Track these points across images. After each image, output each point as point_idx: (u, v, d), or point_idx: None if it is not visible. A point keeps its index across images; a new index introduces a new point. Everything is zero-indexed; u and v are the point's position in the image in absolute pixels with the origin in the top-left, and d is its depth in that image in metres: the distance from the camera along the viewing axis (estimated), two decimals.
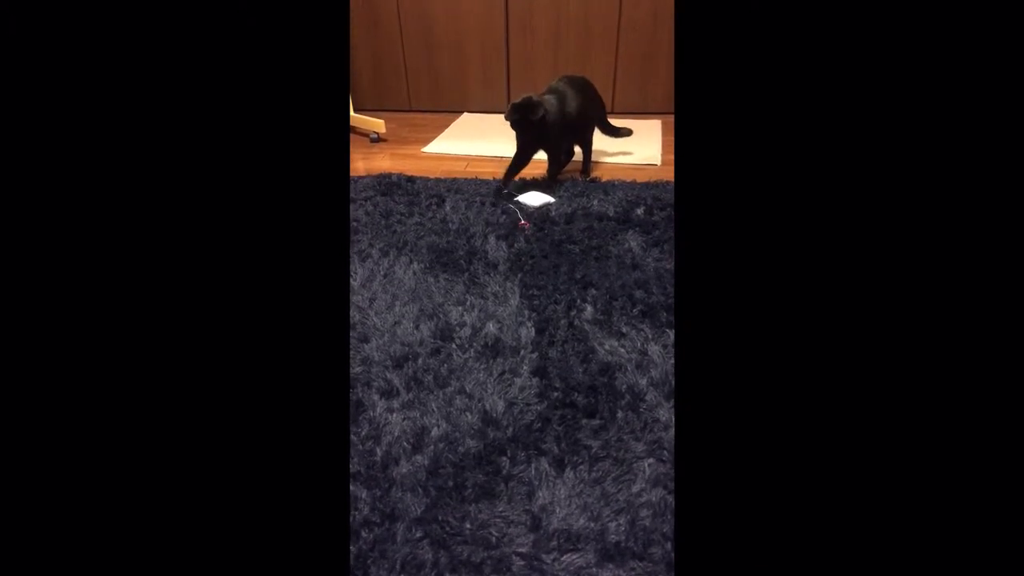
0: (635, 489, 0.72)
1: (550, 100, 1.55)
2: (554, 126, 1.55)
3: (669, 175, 1.73)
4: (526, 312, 1.07)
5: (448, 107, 2.52)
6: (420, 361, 0.95)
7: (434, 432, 0.80)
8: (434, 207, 1.53)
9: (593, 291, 1.13)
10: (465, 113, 2.49)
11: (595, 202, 1.52)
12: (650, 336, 0.99)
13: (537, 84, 2.37)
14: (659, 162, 1.84)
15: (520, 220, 1.43)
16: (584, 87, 1.64)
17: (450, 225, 1.43)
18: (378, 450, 0.78)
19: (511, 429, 0.80)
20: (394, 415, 0.84)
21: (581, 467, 0.75)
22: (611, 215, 1.44)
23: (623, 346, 0.97)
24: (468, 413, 0.83)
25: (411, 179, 1.71)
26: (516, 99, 1.50)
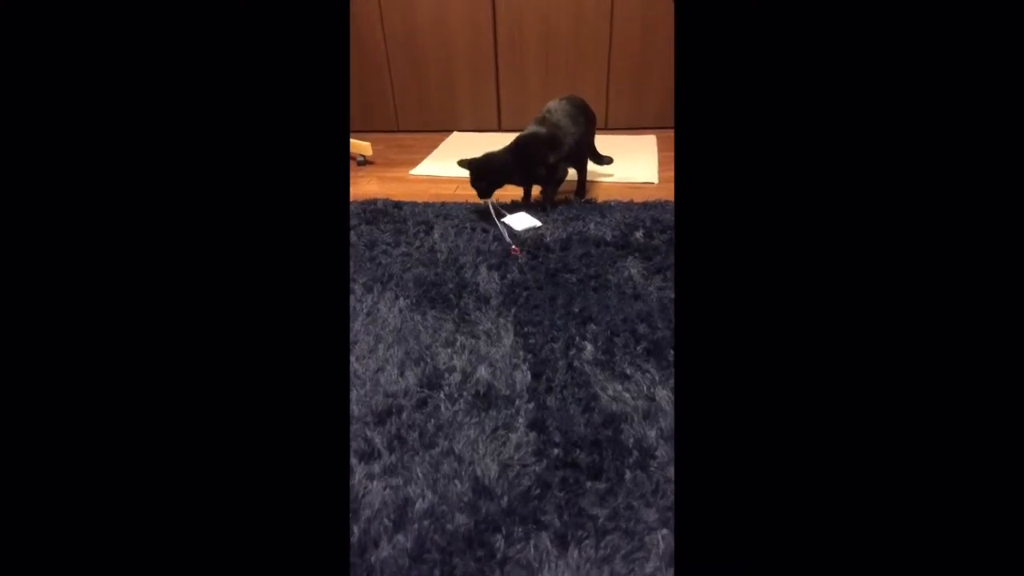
0: (649, 568, 0.63)
1: (540, 133, 1.50)
2: (547, 167, 1.50)
3: (667, 194, 1.65)
4: (521, 353, 0.98)
5: (437, 126, 2.46)
6: (404, 415, 0.86)
7: (419, 505, 0.71)
8: (422, 235, 1.45)
9: (593, 326, 1.04)
10: (455, 132, 2.43)
11: (591, 226, 1.44)
12: (657, 378, 0.91)
13: (528, 100, 2.31)
14: (656, 180, 1.77)
15: (512, 247, 1.35)
16: (580, 112, 1.57)
17: (439, 255, 1.34)
18: (356, 528, 0.68)
19: (506, 498, 0.71)
20: (374, 483, 0.74)
21: (587, 543, 0.66)
22: (609, 239, 1.36)
23: (628, 391, 0.88)
24: (457, 481, 0.74)
25: (398, 205, 1.63)
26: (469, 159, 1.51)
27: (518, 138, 1.52)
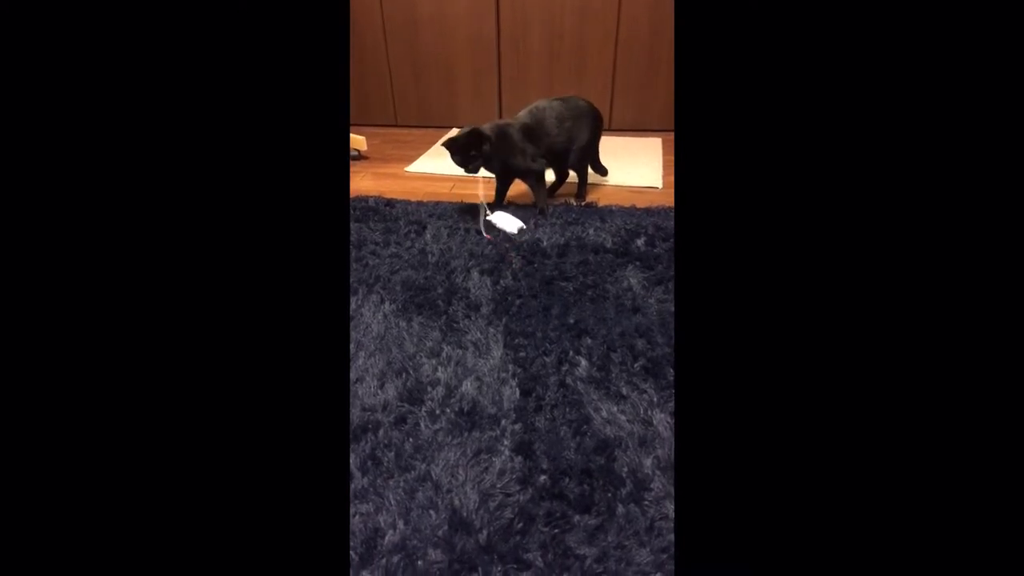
0: None
1: (521, 122, 1.43)
2: (522, 155, 1.42)
3: (671, 200, 1.58)
4: (510, 367, 0.92)
5: (436, 122, 2.39)
6: (381, 433, 0.79)
7: (389, 537, 0.64)
8: (413, 235, 1.38)
9: (588, 340, 0.98)
10: (454, 129, 2.36)
11: (591, 231, 1.37)
12: (655, 400, 0.84)
13: (530, 97, 2.23)
14: (660, 185, 1.70)
15: (505, 246, 1.28)
16: (577, 115, 1.49)
17: (429, 257, 1.28)
18: None
19: (485, 532, 0.65)
20: None
21: None
22: (608, 246, 1.30)
23: (623, 412, 0.82)
24: (432, 511, 0.67)
25: (390, 203, 1.57)
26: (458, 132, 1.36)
27: (497, 124, 1.42)
